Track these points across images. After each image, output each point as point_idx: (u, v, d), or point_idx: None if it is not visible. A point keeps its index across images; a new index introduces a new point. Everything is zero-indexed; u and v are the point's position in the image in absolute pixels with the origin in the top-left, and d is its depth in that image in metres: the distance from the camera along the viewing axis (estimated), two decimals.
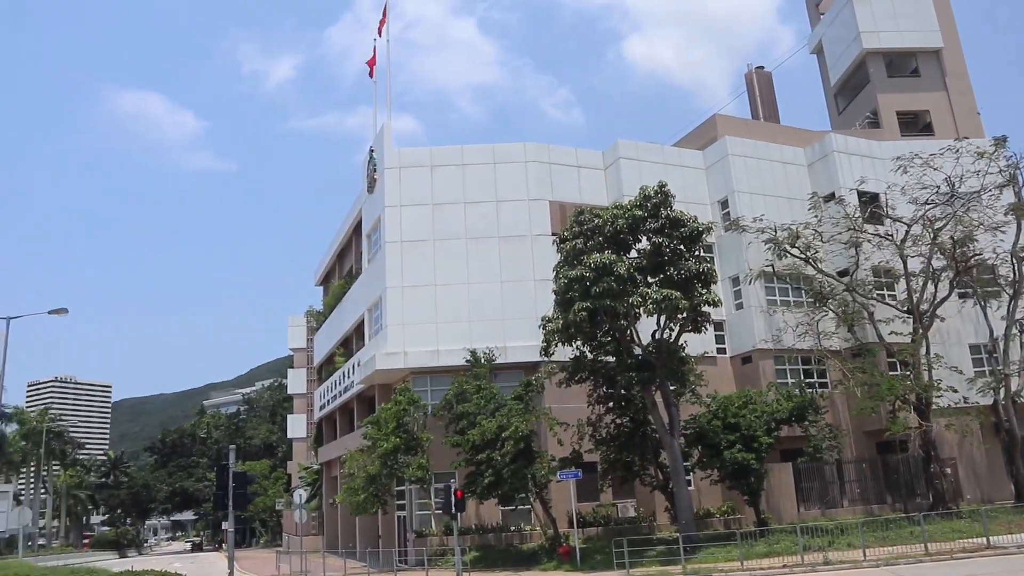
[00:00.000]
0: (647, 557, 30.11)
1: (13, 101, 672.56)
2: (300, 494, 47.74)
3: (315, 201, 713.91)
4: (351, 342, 52.50)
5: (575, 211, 34.45)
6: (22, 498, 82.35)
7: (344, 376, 51.17)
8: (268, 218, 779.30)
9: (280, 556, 46.44)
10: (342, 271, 59.04)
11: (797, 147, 48.39)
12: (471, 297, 41.98)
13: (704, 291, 31.57)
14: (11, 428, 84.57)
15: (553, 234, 39.07)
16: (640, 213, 32.07)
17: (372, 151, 47.33)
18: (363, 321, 47.94)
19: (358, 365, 46.69)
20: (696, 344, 36.43)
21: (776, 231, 40.47)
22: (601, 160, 46.43)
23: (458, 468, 36.21)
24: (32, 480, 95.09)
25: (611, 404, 35.71)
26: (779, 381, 40.74)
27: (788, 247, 40.27)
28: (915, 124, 53.29)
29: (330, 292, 61.07)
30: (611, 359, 34.40)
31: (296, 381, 79.73)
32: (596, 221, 32.44)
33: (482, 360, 38.82)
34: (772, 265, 41.22)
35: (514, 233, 43.02)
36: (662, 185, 32.57)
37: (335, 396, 53.97)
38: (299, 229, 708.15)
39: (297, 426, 78.41)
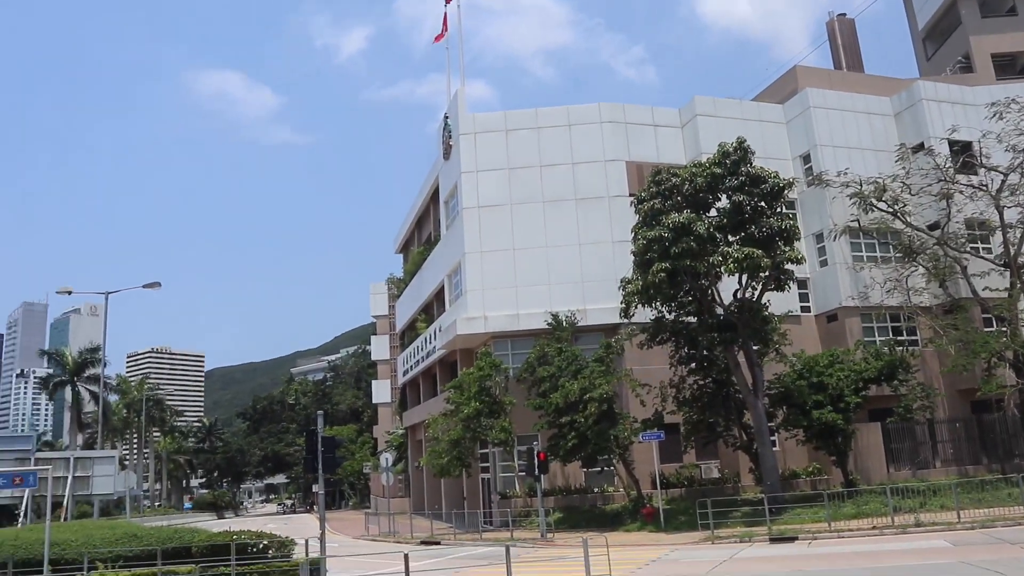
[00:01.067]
0: (731, 518, 29.94)
1: (103, 88, 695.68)
2: (386, 458, 48.93)
3: (392, 170, 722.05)
4: (432, 308, 53.15)
5: (652, 171, 33.99)
6: (127, 463, 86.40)
7: (426, 342, 51.89)
8: (348, 189, 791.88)
9: (369, 518, 47.73)
10: (421, 238, 59.62)
11: (883, 96, 46.54)
12: (549, 260, 41.97)
13: (787, 248, 30.87)
14: (114, 397, 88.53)
15: (630, 195, 38.63)
16: (719, 171, 31.45)
17: (447, 118, 47.45)
18: (443, 287, 48.45)
19: (439, 331, 47.28)
20: (779, 303, 35.68)
21: (861, 185, 39.16)
22: (678, 118, 45.59)
23: (540, 430, 36.49)
24: (135, 446, 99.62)
25: (693, 365, 35.37)
26: (867, 339, 39.62)
27: (874, 201, 38.94)
28: (1011, 67, 50.68)
29: (410, 259, 61.80)
30: (692, 320, 34.02)
31: (379, 348, 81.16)
32: (674, 180, 31.95)
33: (563, 323, 38.87)
34: (858, 220, 39.95)
35: (591, 195, 42.72)
36: (741, 141, 31.83)
37: (418, 362, 54.82)
38: (378, 198, 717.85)
39: (382, 391, 79.97)
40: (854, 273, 42.08)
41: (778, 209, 31.56)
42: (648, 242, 31.01)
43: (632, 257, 33.14)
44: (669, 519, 31.73)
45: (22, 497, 32.52)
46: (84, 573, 17.31)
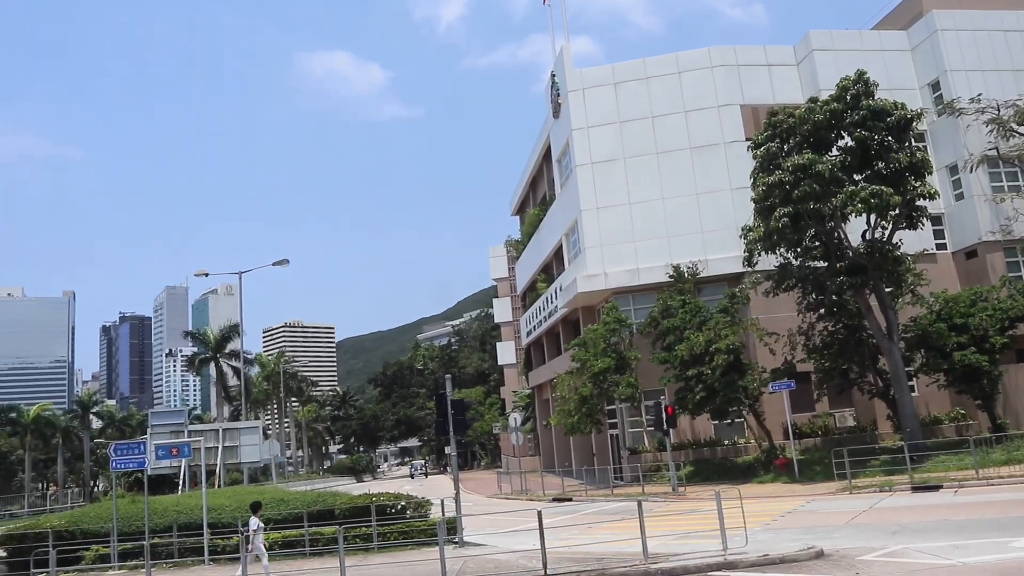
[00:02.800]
0: (870, 467, 29.02)
1: (225, 78, 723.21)
2: (515, 418, 49.66)
3: (503, 134, 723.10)
4: (551, 267, 53.30)
5: (768, 113, 32.86)
6: (270, 432, 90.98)
7: (547, 301, 52.14)
8: (460, 156, 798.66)
9: (501, 477, 48.68)
10: (536, 199, 59.69)
11: (1020, 11, 43.20)
12: (667, 212, 41.32)
13: (918, 183, 29.34)
14: (254, 371, 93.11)
15: (747, 139, 37.48)
16: (839, 107, 30.06)
17: (554, 76, 47.07)
18: (561, 246, 48.46)
19: (560, 289, 47.40)
20: (912, 242, 34.02)
21: (999, 109, 36.66)
22: (792, 55, 43.68)
23: (667, 384, 36.22)
24: (276, 416, 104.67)
25: (822, 311, 34.18)
26: (1012, 275, 37.33)
27: (1015, 126, 36.38)
28: None
29: (526, 221, 62.02)
30: (819, 264, 32.85)
31: (502, 310, 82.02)
32: (791, 121, 30.78)
33: (684, 275, 38.30)
34: (996, 148, 37.47)
35: (705, 143, 41.68)
36: (861, 74, 30.28)
37: (540, 322, 55.19)
38: (491, 163, 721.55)
39: (506, 353, 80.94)
40: (994, 205, 39.57)
41: (906, 143, 30.00)
42: (768, 187, 30.10)
43: (752, 203, 32.29)
44: (803, 470, 31.06)
45: (179, 467, 34.72)
46: (239, 535, 18.38)
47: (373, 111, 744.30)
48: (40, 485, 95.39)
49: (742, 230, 32.83)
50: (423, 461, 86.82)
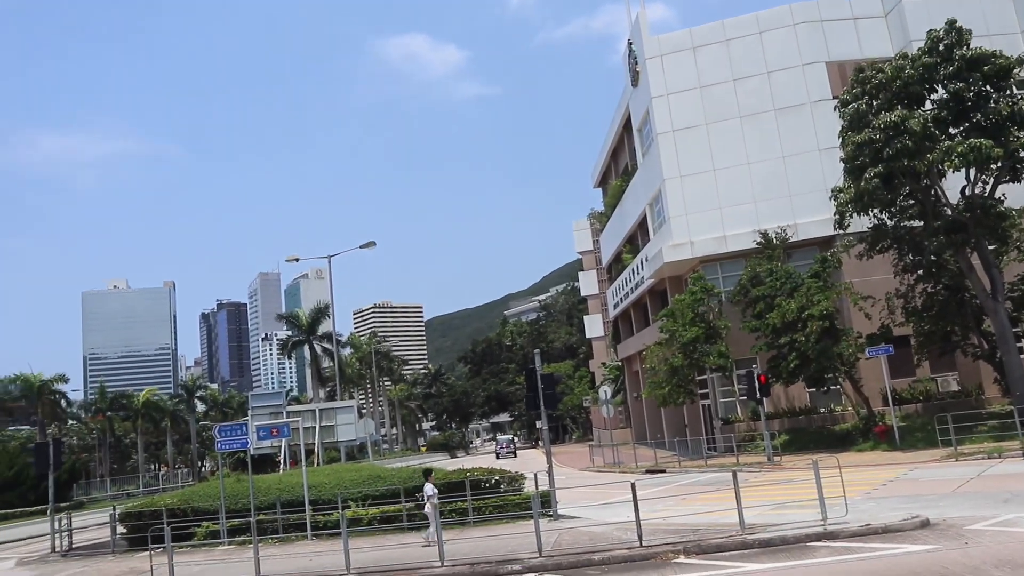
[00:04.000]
0: (976, 433, 27.96)
1: (309, 69, 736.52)
2: (605, 391, 49.53)
3: (581, 107, 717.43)
4: (636, 238, 52.83)
5: (855, 69, 31.68)
6: (364, 411, 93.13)
7: (633, 273, 51.75)
8: (541, 131, 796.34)
9: (592, 450, 48.75)
10: (618, 170, 59.15)
11: None
12: (752, 177, 40.40)
13: (1021, 133, 27.85)
14: (347, 352, 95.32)
15: (834, 98, 36.24)
16: (930, 60, 28.76)
17: (631, 44, 46.37)
18: (645, 216, 47.94)
19: (646, 260, 46.97)
20: (1017, 195, 32.37)
21: None
22: (880, 6, 41.83)
23: (759, 353, 35.59)
24: (370, 395, 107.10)
25: (920, 272, 32.93)
26: None
27: None
28: None
29: (609, 192, 61.57)
30: (915, 224, 31.64)
31: (587, 283, 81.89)
32: (880, 76, 29.60)
33: (773, 240, 37.45)
34: None
35: (790, 103, 40.50)
36: (952, 22, 28.89)
37: (627, 293, 54.86)
38: (571, 136, 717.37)
39: (594, 326, 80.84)
40: None
41: (1007, 91, 28.48)
42: (858, 146, 29.11)
43: (842, 164, 31.32)
44: (904, 437, 30.17)
45: (280, 446, 35.86)
46: (339, 511, 18.91)
47: (452, 91, 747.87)
48: (152, 466, 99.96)
49: (832, 192, 31.86)
50: (511, 437, 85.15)
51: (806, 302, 32.80)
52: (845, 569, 11.73)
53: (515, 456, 64.86)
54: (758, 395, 32.19)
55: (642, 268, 48.28)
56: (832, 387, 36.00)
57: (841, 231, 32.41)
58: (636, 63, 45.37)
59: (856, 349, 33.01)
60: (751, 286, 36.13)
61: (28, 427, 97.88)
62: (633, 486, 15.12)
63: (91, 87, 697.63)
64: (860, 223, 32.33)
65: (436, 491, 17.99)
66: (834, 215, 31.59)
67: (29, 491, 47.97)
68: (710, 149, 41.29)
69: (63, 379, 77.58)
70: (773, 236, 37.60)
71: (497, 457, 64.67)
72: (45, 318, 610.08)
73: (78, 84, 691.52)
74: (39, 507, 42.55)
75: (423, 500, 18.16)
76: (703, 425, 42.31)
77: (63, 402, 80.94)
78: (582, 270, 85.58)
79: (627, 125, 51.99)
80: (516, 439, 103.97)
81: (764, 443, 32.36)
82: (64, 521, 25.87)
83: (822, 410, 37.54)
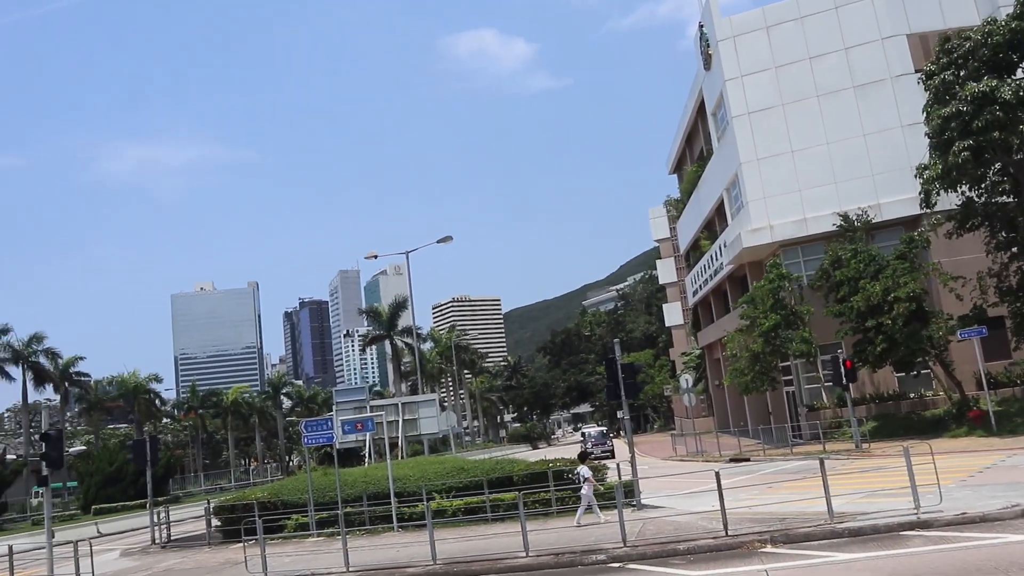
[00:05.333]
0: None
1: (379, 68, 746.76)
2: (686, 379, 49.06)
3: (653, 93, 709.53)
4: (714, 224, 52.08)
5: (939, 39, 30.58)
6: (446, 404, 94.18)
7: (711, 259, 51.04)
8: (613, 121, 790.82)
9: (674, 439, 48.34)
10: (693, 155, 58.37)
11: None
12: (832, 157, 39.36)
13: None
14: (427, 346, 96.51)
15: (917, 71, 35.03)
16: (1021, 24, 27.51)
17: (701, 26, 45.63)
18: (722, 201, 47.20)
19: (724, 246, 46.27)
20: None
21: None
22: None
23: (844, 337, 34.68)
24: (451, 388, 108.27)
25: (1015, 249, 31.56)
26: None
27: None
28: None
29: (684, 178, 60.80)
30: (1008, 200, 30.37)
31: (665, 271, 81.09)
32: (967, 45, 28.49)
33: (855, 222, 36.44)
34: None
35: (870, 79, 39.27)
36: None
37: (706, 280, 54.15)
38: (643, 124, 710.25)
39: (673, 314, 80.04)
40: None
41: None
42: (944, 120, 28.09)
43: (927, 139, 30.30)
44: (1001, 422, 29.04)
45: (364, 440, 36.49)
46: (423, 503, 19.18)
47: (522, 85, 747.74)
48: (242, 461, 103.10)
49: (917, 169, 30.83)
50: (603, 430, 78.03)
51: (892, 284, 31.83)
52: (941, 559, 11.37)
53: (613, 456, 43.08)
54: (844, 381, 31.39)
55: (720, 254, 47.57)
56: (922, 371, 34.88)
57: (928, 210, 31.37)
58: (708, 46, 44.64)
59: (947, 331, 31.90)
60: (833, 270, 35.23)
61: (126, 425, 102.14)
62: (717, 475, 14.94)
63: (175, 99, 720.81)
64: (948, 200, 31.24)
65: (592, 474, 18.74)
66: (920, 193, 30.60)
67: (129, 486, 50.10)
68: (787, 130, 40.38)
69: (157, 379, 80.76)
70: (855, 218, 36.58)
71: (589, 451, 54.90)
72: (137, 321, 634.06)
73: (162, 97, 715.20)
74: (138, 501, 44.36)
75: (578, 482, 18.69)
76: (787, 412, 41.50)
77: (157, 401, 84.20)
78: (659, 258, 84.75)
79: (701, 110, 51.23)
80: (607, 434, 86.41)
81: (851, 430, 31.57)
82: (162, 514, 26.97)
83: (911, 395, 36.41)
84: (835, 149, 39.38)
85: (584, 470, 18.65)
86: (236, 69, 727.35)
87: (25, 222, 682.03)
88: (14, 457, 63.14)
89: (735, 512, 15.23)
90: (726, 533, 14.17)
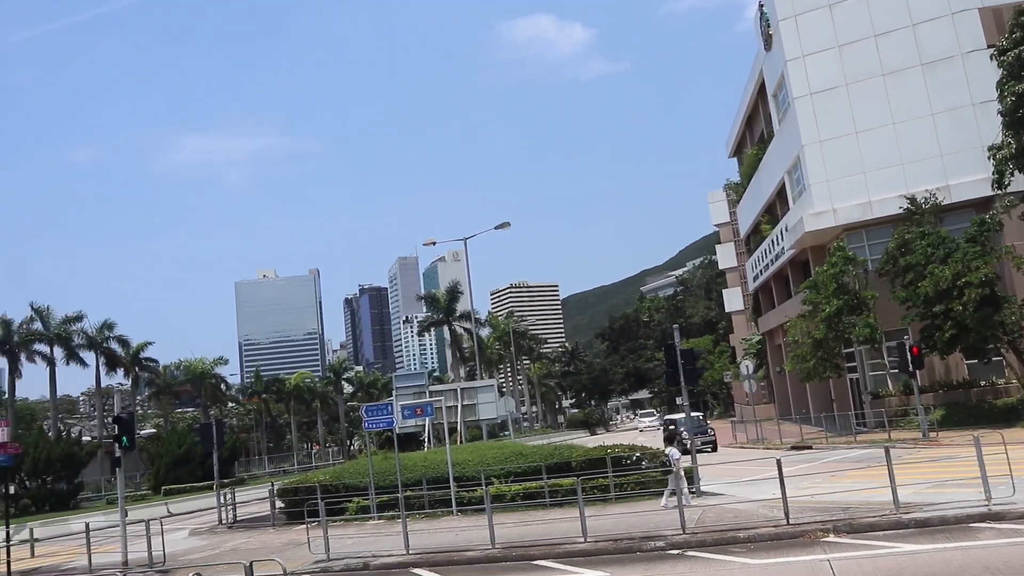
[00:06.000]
0: None
1: (435, 54, 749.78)
2: (746, 365, 48.49)
3: (711, 76, 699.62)
4: (775, 208, 51.19)
5: (1014, 11, 29.49)
6: (504, 390, 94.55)
7: (773, 244, 50.20)
8: (671, 104, 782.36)
9: (735, 425, 47.83)
10: (753, 138, 57.40)
11: None
12: (899, 138, 38.31)
13: None
14: (485, 332, 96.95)
15: (989, 47, 33.81)
16: None
17: (761, 6, 44.74)
18: (784, 184, 46.35)
19: (785, 230, 45.47)
20: None
21: None
22: None
23: (910, 323, 33.82)
24: (509, 374, 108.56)
25: None
26: None
27: None
28: None
29: (744, 162, 59.88)
30: None
31: (725, 256, 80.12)
32: None
33: (922, 205, 35.45)
34: None
35: (939, 56, 38.06)
36: None
37: (767, 265, 53.30)
38: (703, 107, 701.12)
39: (733, 299, 79.11)
40: None
41: None
42: (1019, 97, 27.22)
43: (1000, 118, 29.30)
44: None
45: (424, 425, 36.87)
46: (482, 487, 19.28)
47: (580, 70, 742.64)
48: (305, 444, 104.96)
49: (989, 149, 29.86)
50: (654, 413, 78.33)
51: (962, 268, 30.92)
52: (1014, 553, 11.03)
53: (715, 448, 38.89)
54: (911, 367, 30.63)
55: (782, 239, 46.74)
56: (994, 358, 33.85)
57: (1000, 191, 30.37)
58: (768, 26, 43.74)
59: (1020, 317, 30.91)
60: (900, 254, 34.36)
61: (193, 409, 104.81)
62: (779, 462, 14.72)
63: (237, 91, 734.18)
64: (1022, 181, 30.18)
65: (680, 455, 18.70)
66: (992, 174, 29.64)
67: (196, 467, 51.45)
68: (851, 111, 39.40)
69: (223, 362, 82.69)
70: (922, 200, 35.59)
71: (670, 441, 48.57)
72: (202, 308, 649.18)
73: (224, 90, 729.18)
74: (206, 483, 45.56)
75: (668, 462, 18.71)
76: (851, 400, 40.69)
77: (223, 386, 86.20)
78: (719, 243, 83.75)
79: (761, 91, 50.30)
80: (661, 414, 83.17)
81: (918, 418, 30.81)
82: (228, 496, 27.69)
83: (982, 383, 35.37)
84: (901, 129, 38.31)
85: (674, 452, 18.64)
86: (298, 60, 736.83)
87: (98, 213, 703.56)
88: (89, 439, 65.25)
89: (797, 500, 14.99)
90: (787, 522, 13.96)
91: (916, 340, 32.59)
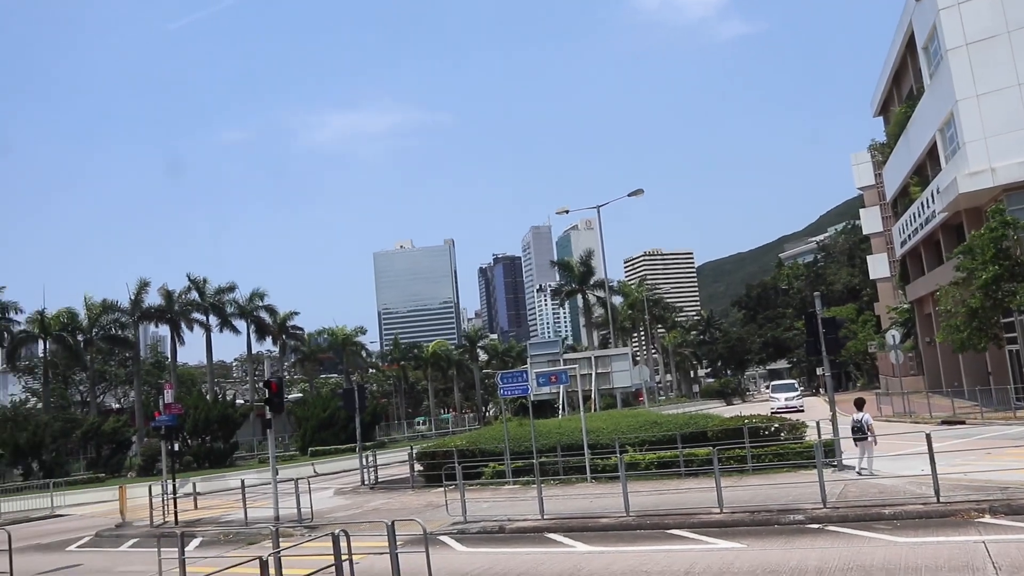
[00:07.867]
0: None
1: (562, 18, 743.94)
2: (893, 335, 46.25)
3: (855, 31, 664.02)
4: (925, 169, 48.36)
5: None
6: (638, 358, 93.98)
7: (922, 207, 47.53)
8: (812, 63, 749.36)
9: (879, 398, 45.93)
10: (900, 95, 54.27)
11: None
12: None
13: None
14: (618, 300, 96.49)
15: None
16: None
17: None
18: (935, 143, 43.68)
19: (937, 192, 42.93)
20: None
21: None
22: None
23: None
24: (643, 342, 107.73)
25: None
26: None
27: None
28: None
29: (892, 121, 56.71)
30: None
31: (870, 220, 76.56)
32: None
33: None
34: None
35: None
36: None
37: (916, 230, 50.57)
38: (845, 65, 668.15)
39: (879, 266, 75.63)
40: None
41: None
42: None
43: None
44: None
45: (558, 392, 37.16)
46: (617, 455, 19.30)
47: (714, 32, 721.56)
48: (441, 410, 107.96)
49: None
50: (795, 385, 69.87)
51: None
52: None
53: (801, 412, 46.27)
54: None
55: (933, 201, 44.14)
56: None
57: None
58: None
59: None
60: None
61: (335, 375, 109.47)
62: (928, 437, 14.03)
63: (373, 69, 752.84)
64: None
65: (871, 421, 18.11)
66: None
67: (340, 431, 53.88)
68: (1013, 61, 36.58)
69: (363, 331, 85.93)
70: None
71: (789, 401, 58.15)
72: (343, 278, 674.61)
73: (367, 70, 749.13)
74: (348, 445, 47.65)
75: (862, 430, 17.92)
76: (1010, 373, 38.20)
77: (363, 352, 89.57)
78: (863, 207, 79.98)
79: (910, 44, 47.38)
80: (800, 388, 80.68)
81: None
82: (370, 458, 28.87)
83: None
84: None
85: (867, 417, 17.99)
86: (433, 37, 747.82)
87: (245, 192, 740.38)
88: (242, 402, 69.33)
89: (948, 478, 14.29)
90: (937, 500, 13.32)
91: None
